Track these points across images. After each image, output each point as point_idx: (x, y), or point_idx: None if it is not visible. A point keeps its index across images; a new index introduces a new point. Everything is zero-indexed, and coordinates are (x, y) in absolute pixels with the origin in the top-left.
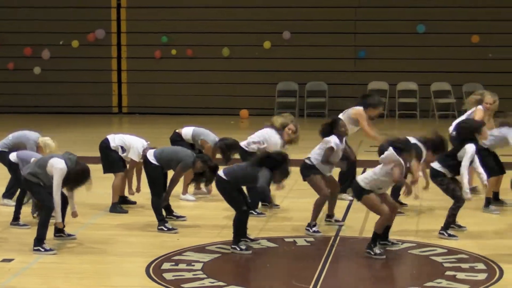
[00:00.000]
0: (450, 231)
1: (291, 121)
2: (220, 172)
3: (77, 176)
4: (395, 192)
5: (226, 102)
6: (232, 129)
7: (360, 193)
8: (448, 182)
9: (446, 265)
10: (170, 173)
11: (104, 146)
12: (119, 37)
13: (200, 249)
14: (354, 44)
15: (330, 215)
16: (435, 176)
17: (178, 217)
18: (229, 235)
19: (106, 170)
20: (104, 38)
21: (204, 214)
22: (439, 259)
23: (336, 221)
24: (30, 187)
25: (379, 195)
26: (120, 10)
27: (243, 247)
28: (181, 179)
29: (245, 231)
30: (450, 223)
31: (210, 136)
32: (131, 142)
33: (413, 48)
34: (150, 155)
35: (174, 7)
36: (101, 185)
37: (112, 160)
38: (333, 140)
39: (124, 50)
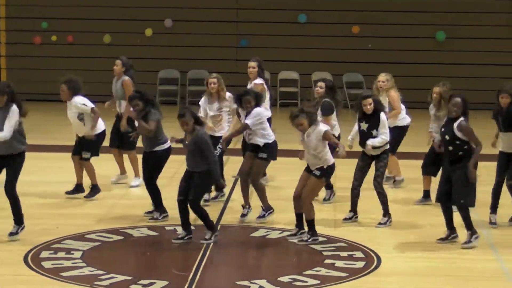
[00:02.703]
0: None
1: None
2: None
3: None
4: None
5: (107, 89)
6: (114, 116)
7: None
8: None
9: (325, 253)
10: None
11: None
12: None
13: (80, 237)
14: (237, 33)
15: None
16: None
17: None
18: (108, 223)
19: None
20: None
21: (87, 202)
22: (318, 247)
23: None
24: None
25: (309, 177)
26: None
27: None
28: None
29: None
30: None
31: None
32: None
33: (295, 37)
34: None
35: None
36: None
37: None
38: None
39: (3, 35)
